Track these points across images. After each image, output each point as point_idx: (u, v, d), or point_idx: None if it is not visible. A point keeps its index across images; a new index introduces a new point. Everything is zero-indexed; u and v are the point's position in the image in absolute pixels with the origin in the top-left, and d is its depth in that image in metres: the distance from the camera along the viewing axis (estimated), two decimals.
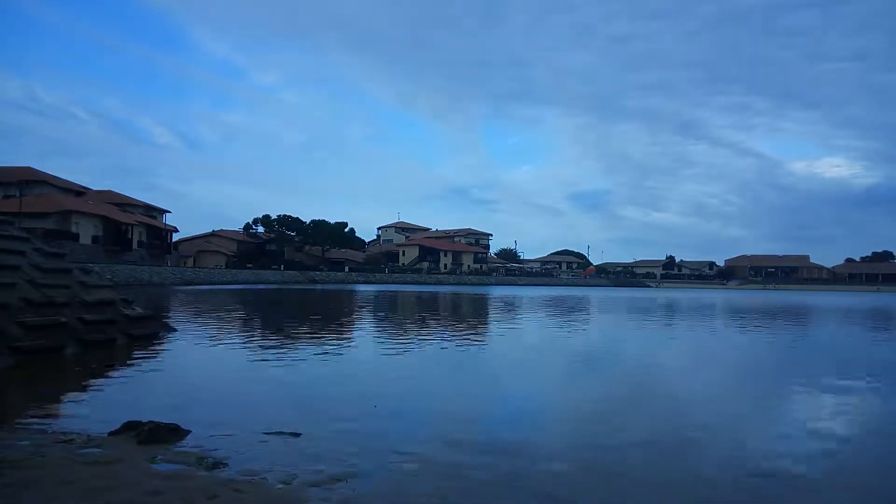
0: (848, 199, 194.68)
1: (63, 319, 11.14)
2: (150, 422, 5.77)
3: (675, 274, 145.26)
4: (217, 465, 4.90)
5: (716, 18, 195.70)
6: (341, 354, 12.66)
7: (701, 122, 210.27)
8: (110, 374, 9.66)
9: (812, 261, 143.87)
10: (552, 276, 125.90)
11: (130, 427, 5.70)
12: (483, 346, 14.74)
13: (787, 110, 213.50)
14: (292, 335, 15.85)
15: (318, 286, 66.34)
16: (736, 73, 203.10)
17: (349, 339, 15.81)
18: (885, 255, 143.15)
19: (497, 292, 57.64)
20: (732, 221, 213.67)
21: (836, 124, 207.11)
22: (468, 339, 15.97)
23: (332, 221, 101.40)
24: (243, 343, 14.37)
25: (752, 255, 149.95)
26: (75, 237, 56.90)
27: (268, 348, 13.37)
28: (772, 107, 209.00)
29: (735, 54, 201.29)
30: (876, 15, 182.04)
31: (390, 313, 26.12)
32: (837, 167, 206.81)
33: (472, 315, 26.38)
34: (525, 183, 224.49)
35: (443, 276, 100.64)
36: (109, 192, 75.77)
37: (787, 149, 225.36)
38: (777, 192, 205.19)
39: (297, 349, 12.92)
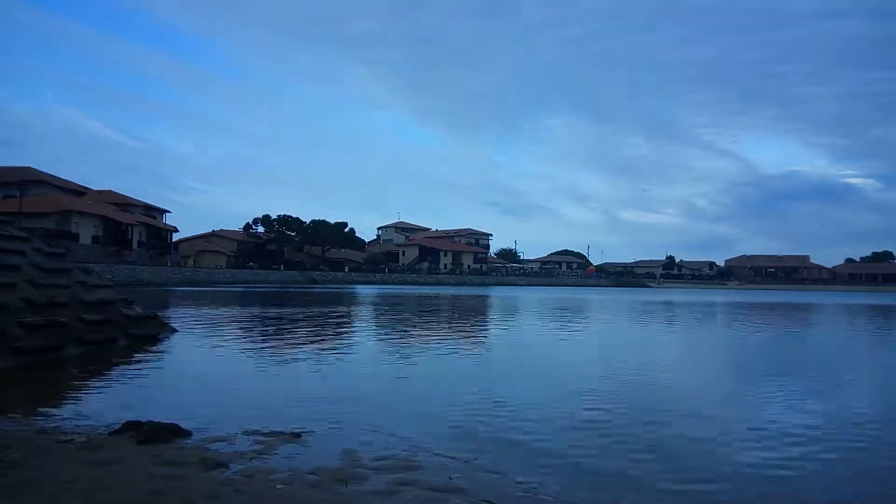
0: (837, 197, 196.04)
1: (63, 319, 11.13)
2: (150, 422, 5.76)
3: (675, 274, 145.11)
4: (217, 465, 4.89)
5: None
6: (341, 355, 12.65)
7: (687, 124, 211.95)
8: (110, 374, 9.66)
9: (812, 261, 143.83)
10: (552, 276, 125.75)
11: (130, 427, 5.69)
12: (483, 351, 14.74)
13: (765, 110, 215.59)
14: (292, 335, 15.84)
15: (318, 286, 66.32)
16: (714, 74, 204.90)
17: (349, 339, 15.80)
18: (884, 255, 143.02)
19: (497, 294, 57.61)
20: (730, 222, 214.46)
21: (819, 123, 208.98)
22: (469, 342, 15.97)
23: (332, 221, 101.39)
24: (243, 343, 14.36)
25: (752, 256, 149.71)
26: (75, 237, 56.87)
27: (267, 348, 13.37)
28: (750, 107, 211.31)
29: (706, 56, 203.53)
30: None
31: (390, 314, 26.11)
32: (820, 167, 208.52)
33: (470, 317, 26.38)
34: (525, 183, 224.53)
35: (442, 277, 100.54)
36: (109, 192, 75.73)
37: (776, 149, 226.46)
38: (768, 191, 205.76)
39: (298, 350, 12.91)
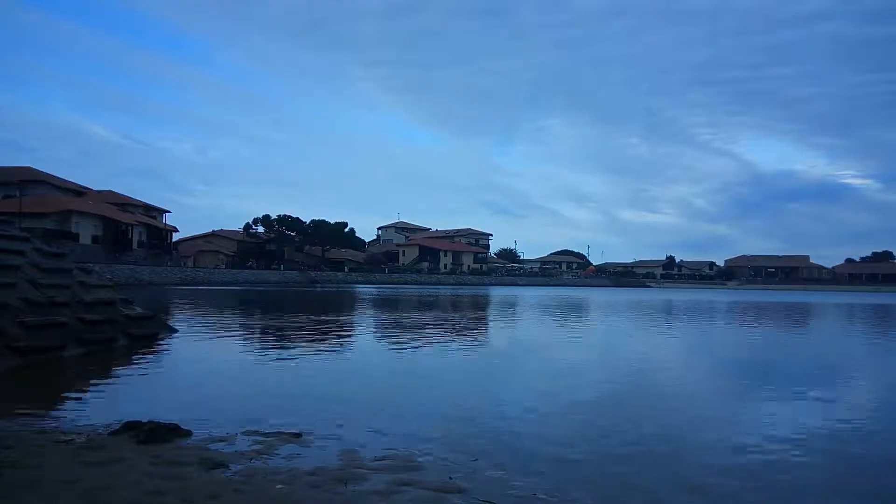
0: (835, 197, 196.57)
1: (63, 319, 11.12)
2: (150, 422, 5.76)
3: (676, 274, 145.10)
4: (217, 465, 4.88)
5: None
6: (341, 355, 12.65)
7: (685, 125, 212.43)
8: (110, 374, 9.66)
9: (812, 261, 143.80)
10: (552, 276, 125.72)
11: (130, 427, 5.69)
12: (484, 351, 14.74)
13: (763, 110, 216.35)
14: (292, 336, 15.83)
15: (318, 287, 66.32)
16: (711, 75, 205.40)
17: (349, 339, 15.80)
18: (885, 255, 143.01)
19: (497, 294, 57.59)
20: (729, 222, 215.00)
21: (817, 124, 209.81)
22: (469, 342, 15.96)
23: (332, 221, 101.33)
24: (243, 343, 14.37)
25: (752, 256, 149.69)
26: (75, 237, 56.89)
27: (268, 348, 13.37)
28: (747, 108, 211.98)
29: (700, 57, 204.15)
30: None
31: (391, 314, 26.11)
32: (818, 167, 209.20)
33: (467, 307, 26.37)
34: (525, 183, 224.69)
35: (442, 277, 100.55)
36: (109, 192, 75.75)
37: (774, 149, 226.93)
38: (767, 191, 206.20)
39: (297, 349, 12.91)
